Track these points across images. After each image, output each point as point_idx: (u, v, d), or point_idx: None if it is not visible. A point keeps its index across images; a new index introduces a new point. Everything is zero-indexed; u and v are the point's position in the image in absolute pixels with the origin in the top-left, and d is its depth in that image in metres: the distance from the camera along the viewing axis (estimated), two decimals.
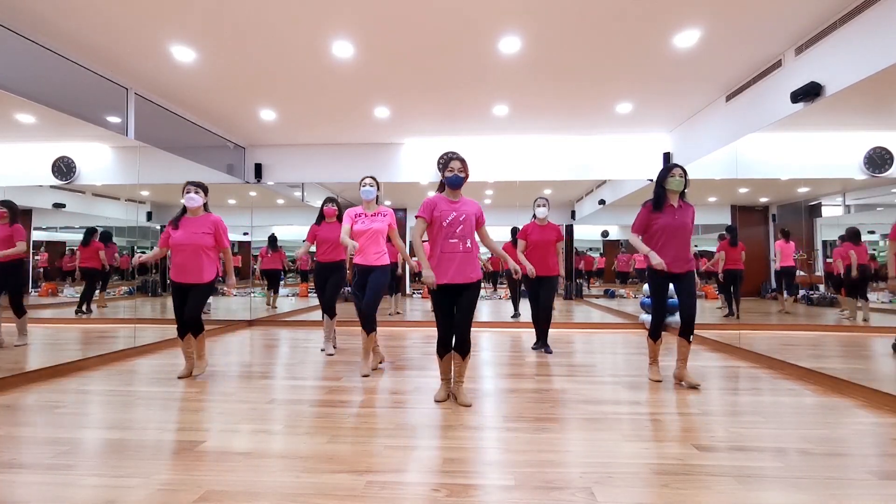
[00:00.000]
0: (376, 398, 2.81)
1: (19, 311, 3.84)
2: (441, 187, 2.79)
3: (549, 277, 4.16)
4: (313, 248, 4.22)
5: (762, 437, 2.17)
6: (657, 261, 2.98)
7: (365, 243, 3.41)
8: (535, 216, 4.26)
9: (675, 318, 5.52)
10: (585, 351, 4.35)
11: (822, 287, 5.39)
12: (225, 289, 3.32)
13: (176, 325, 3.25)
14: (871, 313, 4.61)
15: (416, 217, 2.70)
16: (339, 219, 4.10)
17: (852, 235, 4.59)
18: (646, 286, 5.75)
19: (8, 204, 3.77)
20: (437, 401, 2.72)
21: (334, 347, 4.25)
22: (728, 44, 3.87)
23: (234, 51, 3.99)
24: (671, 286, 3.13)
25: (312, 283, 7.37)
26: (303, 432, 2.23)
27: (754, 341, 4.37)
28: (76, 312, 4.98)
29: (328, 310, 4.14)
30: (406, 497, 1.62)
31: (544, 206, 4.20)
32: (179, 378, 3.25)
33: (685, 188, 3.12)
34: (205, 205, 3.31)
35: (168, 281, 3.22)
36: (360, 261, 3.45)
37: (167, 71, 4.37)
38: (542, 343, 4.27)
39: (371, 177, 3.57)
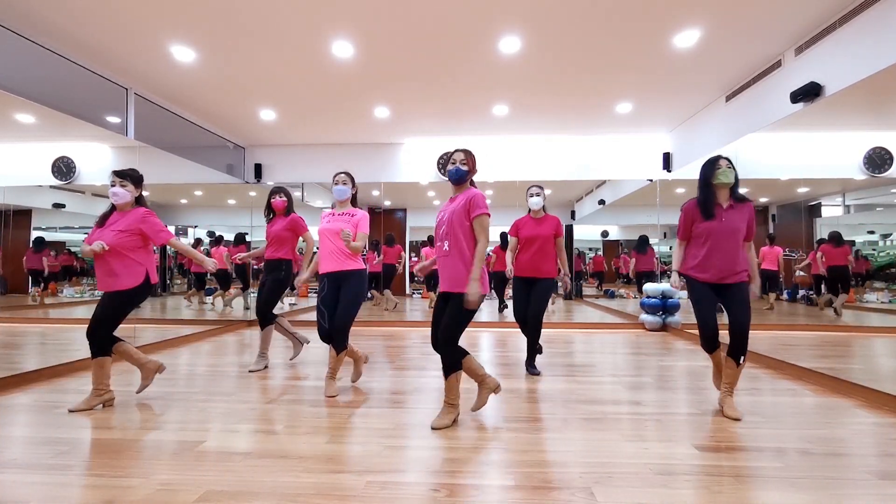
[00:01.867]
0: (376, 398, 2.81)
1: None
2: None
3: (541, 280, 3.39)
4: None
5: (762, 437, 2.17)
6: (674, 280, 2.81)
7: (326, 247, 2.89)
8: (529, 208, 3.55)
9: (675, 319, 5.53)
10: (585, 351, 4.35)
11: (822, 287, 5.40)
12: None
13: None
14: (846, 310, 4.77)
15: None
16: (290, 211, 3.57)
17: (833, 238, 4.75)
18: (647, 286, 5.76)
19: None
20: (434, 428, 2.27)
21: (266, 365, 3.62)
22: (728, 44, 3.87)
23: (234, 51, 3.99)
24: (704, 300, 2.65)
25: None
26: (303, 432, 2.23)
27: (754, 341, 4.35)
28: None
29: (260, 316, 3.52)
30: (406, 497, 1.61)
31: (538, 195, 3.46)
32: (71, 411, 2.54)
33: (736, 181, 2.61)
34: (138, 198, 2.72)
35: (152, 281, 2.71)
36: (324, 267, 2.91)
37: (167, 71, 4.37)
38: (530, 361, 3.51)
39: (345, 173, 3.03)
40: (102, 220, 2.66)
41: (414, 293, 9.64)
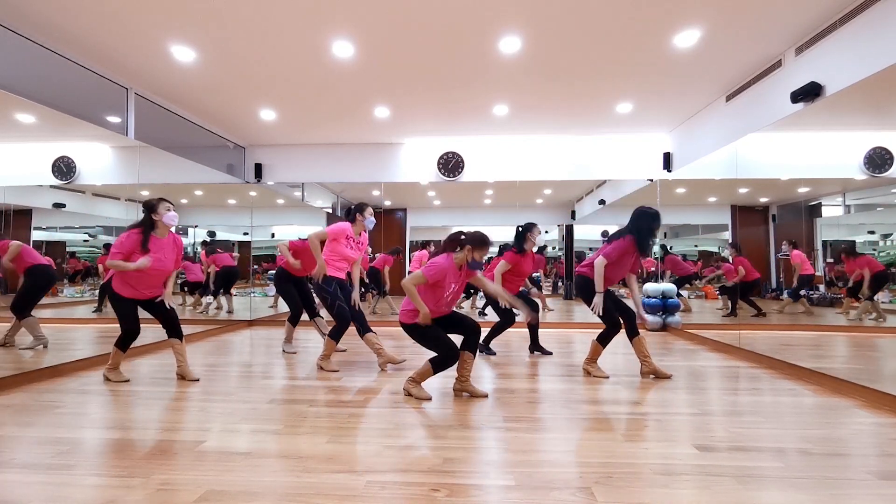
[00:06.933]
0: (376, 398, 2.81)
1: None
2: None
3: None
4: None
5: (762, 437, 2.17)
6: (598, 302, 3.22)
7: (350, 266, 3.74)
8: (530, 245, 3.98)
9: (675, 319, 5.54)
10: (585, 351, 4.33)
11: (822, 287, 5.39)
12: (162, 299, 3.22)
13: (124, 338, 3.12)
14: (851, 310, 4.64)
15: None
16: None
17: (850, 250, 4.60)
18: (647, 286, 5.76)
19: None
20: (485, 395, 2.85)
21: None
22: (728, 44, 3.87)
23: (234, 51, 3.99)
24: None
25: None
26: (303, 432, 2.23)
27: (754, 341, 4.37)
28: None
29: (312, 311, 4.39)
30: (406, 497, 1.61)
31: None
32: (192, 380, 3.21)
33: None
34: None
35: (114, 294, 3.10)
36: (338, 275, 3.65)
37: (167, 71, 4.37)
38: (535, 345, 4.16)
39: (372, 207, 3.78)
40: (145, 246, 2.98)
41: None
